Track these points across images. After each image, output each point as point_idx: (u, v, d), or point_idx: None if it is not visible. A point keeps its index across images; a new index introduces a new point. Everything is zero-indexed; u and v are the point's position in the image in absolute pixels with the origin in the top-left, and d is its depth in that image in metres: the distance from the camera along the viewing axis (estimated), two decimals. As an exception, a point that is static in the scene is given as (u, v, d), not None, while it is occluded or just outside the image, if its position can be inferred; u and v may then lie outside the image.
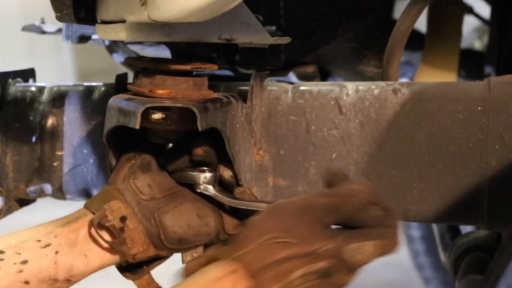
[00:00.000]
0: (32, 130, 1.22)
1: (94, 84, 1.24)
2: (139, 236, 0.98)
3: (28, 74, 1.29)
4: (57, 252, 0.95)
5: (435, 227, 1.71)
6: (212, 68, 1.02)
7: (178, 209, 1.00)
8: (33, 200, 1.27)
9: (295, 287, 0.85)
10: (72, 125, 1.21)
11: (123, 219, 0.97)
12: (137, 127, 0.92)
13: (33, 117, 1.22)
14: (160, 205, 1.00)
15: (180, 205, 1.01)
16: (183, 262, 1.03)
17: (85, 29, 1.36)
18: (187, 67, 0.98)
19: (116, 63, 1.64)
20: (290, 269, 0.84)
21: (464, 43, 1.89)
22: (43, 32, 1.67)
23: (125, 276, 1.03)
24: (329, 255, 0.86)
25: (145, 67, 1.01)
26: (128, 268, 1.03)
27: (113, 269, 1.05)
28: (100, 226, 0.97)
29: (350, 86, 1.11)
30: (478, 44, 2.53)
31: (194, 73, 1.02)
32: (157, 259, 1.04)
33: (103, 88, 1.22)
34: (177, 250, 1.02)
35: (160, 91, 0.97)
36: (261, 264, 0.84)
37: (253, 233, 0.87)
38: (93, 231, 0.97)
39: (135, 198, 1.00)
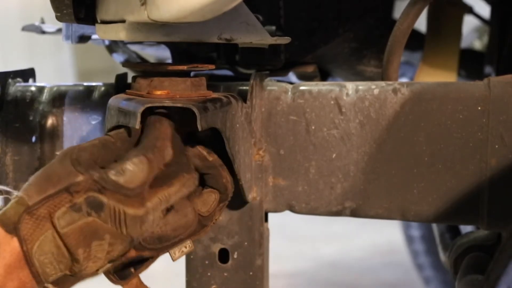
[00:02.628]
0: (32, 130, 1.21)
1: (94, 84, 1.24)
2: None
3: (28, 74, 1.29)
4: None
5: (435, 227, 1.71)
6: (209, 68, 1.02)
7: None
8: (33, 200, 1.27)
9: None
10: (72, 125, 1.21)
11: None
12: (137, 127, 0.91)
13: (33, 117, 1.22)
14: None
15: None
16: (173, 260, 1.02)
17: (85, 29, 1.36)
18: (184, 67, 0.98)
19: (116, 63, 1.63)
20: None
21: (464, 43, 1.90)
22: (43, 32, 1.67)
23: (111, 280, 0.98)
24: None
25: (142, 70, 1.01)
26: (114, 271, 0.98)
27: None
28: None
29: (350, 86, 1.11)
30: (478, 44, 2.53)
31: (192, 73, 1.02)
32: (143, 261, 1.00)
33: (103, 88, 1.22)
34: (160, 249, 0.99)
35: (158, 92, 0.97)
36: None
37: None
38: None
39: None
